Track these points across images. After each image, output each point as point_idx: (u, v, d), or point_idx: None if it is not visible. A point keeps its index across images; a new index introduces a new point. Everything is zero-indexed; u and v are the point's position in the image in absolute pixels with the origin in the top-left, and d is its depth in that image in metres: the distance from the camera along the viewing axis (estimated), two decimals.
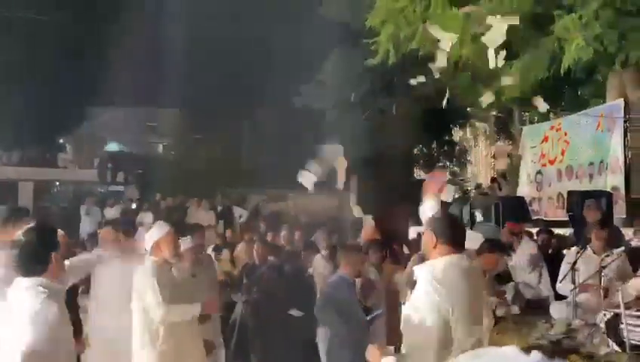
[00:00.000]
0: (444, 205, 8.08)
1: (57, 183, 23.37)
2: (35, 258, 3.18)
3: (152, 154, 33.52)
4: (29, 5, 26.65)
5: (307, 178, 9.27)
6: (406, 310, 3.42)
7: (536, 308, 6.12)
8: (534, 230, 9.05)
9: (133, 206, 17.36)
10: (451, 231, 3.55)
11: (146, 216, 14.24)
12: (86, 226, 14.69)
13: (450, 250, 3.46)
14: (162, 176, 22.36)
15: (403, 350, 3.37)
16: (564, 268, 5.93)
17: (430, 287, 3.29)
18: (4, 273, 3.50)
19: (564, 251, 8.16)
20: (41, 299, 3.06)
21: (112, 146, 31.98)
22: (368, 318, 5.36)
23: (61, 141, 29.18)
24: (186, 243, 5.35)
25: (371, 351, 3.47)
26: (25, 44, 25.76)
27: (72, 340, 3.39)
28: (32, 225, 3.47)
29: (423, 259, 4.68)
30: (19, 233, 3.27)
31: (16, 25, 25.92)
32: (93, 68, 28.64)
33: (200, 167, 23.43)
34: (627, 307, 4.26)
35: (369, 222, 9.28)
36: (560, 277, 6.04)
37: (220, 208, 16.35)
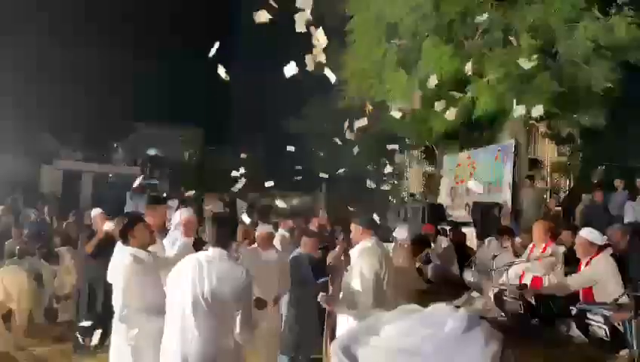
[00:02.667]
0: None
1: (110, 175, 23.01)
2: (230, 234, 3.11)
3: (180, 158, 33.17)
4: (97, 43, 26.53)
5: None
6: (348, 278, 3.74)
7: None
8: (448, 227, 9.14)
9: (164, 195, 17.16)
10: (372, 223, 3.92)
11: (173, 203, 14.10)
12: (130, 207, 14.51)
13: (371, 234, 3.83)
14: (185, 175, 22.16)
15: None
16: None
17: (372, 259, 3.59)
18: None
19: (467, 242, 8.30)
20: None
21: (151, 151, 31.58)
22: (318, 282, 5.36)
23: (115, 145, 28.73)
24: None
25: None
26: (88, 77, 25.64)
27: None
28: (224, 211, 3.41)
29: None
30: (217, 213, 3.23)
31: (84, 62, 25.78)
32: (142, 93, 28.62)
33: (213, 170, 23.29)
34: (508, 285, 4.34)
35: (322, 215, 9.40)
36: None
37: (227, 200, 16.20)
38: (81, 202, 17.41)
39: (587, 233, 4.36)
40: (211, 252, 2.97)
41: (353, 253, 3.84)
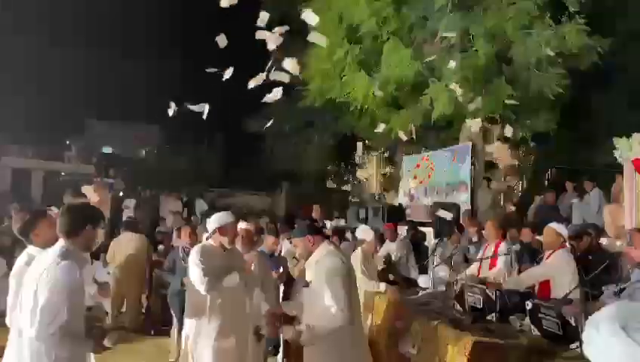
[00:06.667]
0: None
1: (62, 174, 22.20)
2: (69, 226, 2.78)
3: (136, 157, 32.37)
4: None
5: None
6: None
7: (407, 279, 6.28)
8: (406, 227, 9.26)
9: (120, 194, 16.72)
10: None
11: (130, 202, 13.79)
12: None
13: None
14: (142, 173, 21.65)
15: None
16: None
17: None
18: None
19: (425, 242, 8.46)
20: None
21: (107, 149, 30.75)
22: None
23: (67, 142, 27.78)
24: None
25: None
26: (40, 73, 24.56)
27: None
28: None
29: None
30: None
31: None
32: (95, 89, 27.64)
33: (170, 169, 22.81)
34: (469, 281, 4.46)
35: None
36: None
37: (185, 200, 15.94)
38: (32, 201, 16.73)
39: (555, 225, 4.62)
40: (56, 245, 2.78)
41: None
